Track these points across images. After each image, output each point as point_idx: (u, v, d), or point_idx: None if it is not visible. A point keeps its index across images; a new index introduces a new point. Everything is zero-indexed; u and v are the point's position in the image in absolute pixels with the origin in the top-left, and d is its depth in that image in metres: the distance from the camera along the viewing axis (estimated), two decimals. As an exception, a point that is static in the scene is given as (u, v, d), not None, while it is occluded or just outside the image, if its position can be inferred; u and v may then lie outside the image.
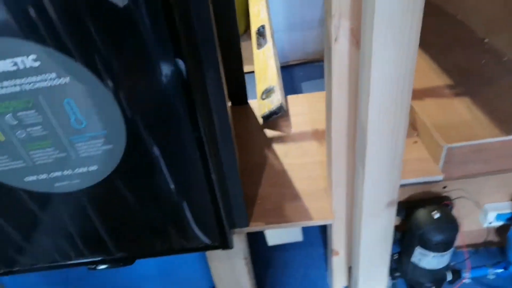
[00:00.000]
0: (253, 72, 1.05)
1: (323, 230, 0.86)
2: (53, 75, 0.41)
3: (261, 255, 0.99)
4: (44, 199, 0.54)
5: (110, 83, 0.43)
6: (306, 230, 1.01)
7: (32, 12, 0.37)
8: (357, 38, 0.46)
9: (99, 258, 0.62)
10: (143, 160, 0.50)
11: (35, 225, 0.58)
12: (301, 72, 1.72)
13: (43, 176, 0.51)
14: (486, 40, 0.97)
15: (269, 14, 1.26)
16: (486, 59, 0.91)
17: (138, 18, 0.38)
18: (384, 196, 0.52)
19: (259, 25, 1.22)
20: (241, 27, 1.92)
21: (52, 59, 0.40)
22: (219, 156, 0.57)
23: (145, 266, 0.84)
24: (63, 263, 0.63)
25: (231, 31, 0.88)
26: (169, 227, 0.58)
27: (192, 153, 0.52)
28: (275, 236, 1.01)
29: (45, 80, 0.42)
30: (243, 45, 0.99)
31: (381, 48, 0.40)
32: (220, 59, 0.47)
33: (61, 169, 0.50)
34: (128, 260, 0.62)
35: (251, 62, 1.12)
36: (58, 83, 0.42)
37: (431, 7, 1.19)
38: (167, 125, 0.49)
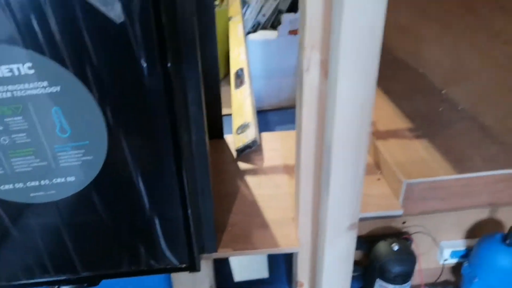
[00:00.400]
0: (230, 114, 1.10)
1: (289, 267, 0.87)
2: (45, 83, 0.44)
3: (228, 289, 0.99)
4: (16, 209, 0.54)
5: (98, 94, 0.46)
6: (272, 267, 1.02)
7: (34, 22, 0.40)
8: (326, 69, 0.52)
9: (64, 278, 0.62)
10: (120, 173, 0.52)
11: (2, 237, 0.57)
12: (276, 117, 1.80)
13: (20, 185, 0.52)
14: (443, 91, 1.07)
15: (247, 58, 1.34)
16: (443, 107, 1.00)
17: (131, 34, 0.43)
18: (346, 219, 0.56)
19: (238, 67, 1.30)
20: (222, 72, 2.01)
21: (46, 68, 0.43)
22: (195, 177, 0.59)
23: None
24: (25, 281, 0.62)
25: (212, 70, 0.94)
26: (139, 244, 0.59)
27: (170, 171, 0.54)
28: (241, 271, 1.02)
29: (37, 87, 0.44)
30: (223, 89, 1.05)
31: (345, 78, 0.45)
32: (201, 78, 0.52)
33: (39, 179, 0.51)
34: (93, 281, 0.62)
35: (229, 105, 1.17)
36: (49, 91, 0.45)
37: (396, 61, 1.30)
38: (148, 141, 0.51)
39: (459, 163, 0.79)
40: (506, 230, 0.77)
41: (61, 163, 0.50)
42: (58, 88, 0.45)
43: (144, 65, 0.45)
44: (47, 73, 0.44)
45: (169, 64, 0.46)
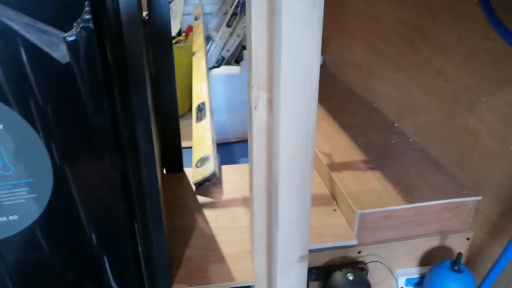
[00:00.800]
0: (191, 147, 1.11)
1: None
2: (-14, 121, 0.44)
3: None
4: (-45, 250, 0.52)
5: (43, 133, 0.46)
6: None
7: (-25, 62, 0.41)
8: (272, 106, 0.54)
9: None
10: (67, 211, 0.52)
11: None
12: (240, 149, 1.82)
13: (-41, 224, 0.50)
14: (396, 124, 1.12)
15: (209, 93, 1.36)
16: (396, 140, 1.05)
17: (77, 74, 0.43)
18: (296, 251, 0.57)
19: (200, 101, 1.31)
20: (185, 107, 2.03)
21: (-13, 106, 0.43)
22: (146, 213, 0.59)
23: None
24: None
25: (171, 104, 0.95)
26: (86, 282, 0.57)
27: (118, 208, 0.54)
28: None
29: (-22, 126, 0.44)
30: (187, 123, 1.06)
31: (286, 115, 0.48)
32: (151, 113, 0.52)
33: (-20, 218, 0.50)
34: (39, 322, 0.59)
35: (191, 138, 1.18)
36: (-10, 129, 0.44)
37: (353, 96, 1.36)
38: (95, 179, 0.51)
39: (409, 193, 0.83)
40: (455, 257, 0.80)
41: (3, 201, 0.49)
42: (0, 127, 0.44)
43: (90, 103, 0.46)
44: (-12, 111, 0.43)
45: (116, 103, 0.47)
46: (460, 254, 0.73)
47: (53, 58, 0.43)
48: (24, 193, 0.49)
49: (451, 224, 0.83)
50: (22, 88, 0.44)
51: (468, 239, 0.84)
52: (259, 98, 0.56)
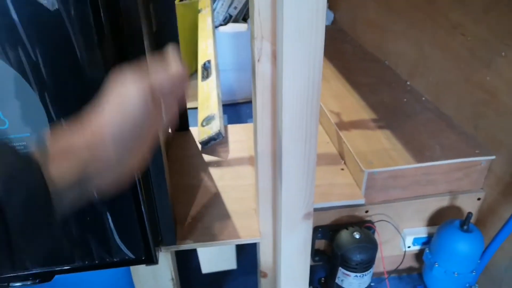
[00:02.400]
0: (197, 108, 1.09)
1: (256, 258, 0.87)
2: (-23, 72, 0.42)
3: (195, 283, 0.98)
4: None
5: (36, 85, 0.44)
6: (240, 258, 1.02)
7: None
8: (276, 58, 0.51)
9: (13, 274, 0.60)
10: (67, 166, 0.51)
11: None
12: (248, 109, 1.79)
13: (-41, 180, 0.50)
14: (408, 83, 1.08)
15: (215, 51, 1.32)
16: (408, 98, 1.01)
17: (67, 22, 0.41)
18: (301, 209, 0.55)
19: (205, 59, 1.28)
20: (192, 67, 1.98)
21: (-24, 57, 0.41)
22: (149, 171, 0.58)
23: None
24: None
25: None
26: (91, 239, 0.57)
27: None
28: (209, 263, 1.01)
29: (-32, 77, 0.42)
30: (193, 83, 1.03)
31: (290, 67, 0.45)
32: (148, 55, 0.50)
33: (-21, 173, 0.49)
34: (46, 276, 0.60)
35: (197, 98, 1.16)
36: (-19, 81, 0.43)
37: (364, 53, 1.31)
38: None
39: (419, 153, 0.80)
40: (464, 217, 0.78)
41: (1, 157, 0.48)
42: (-9, 78, 0.43)
43: (83, 54, 0.43)
44: (-22, 61, 0.42)
45: (108, 49, 0.44)
46: (469, 213, 0.72)
47: (41, 5, 0.40)
48: (22, 147, 0.48)
49: (462, 184, 0.81)
50: (11, 38, 0.42)
51: (479, 199, 0.82)
52: (262, 50, 0.53)
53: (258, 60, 0.53)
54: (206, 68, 1.22)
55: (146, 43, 0.50)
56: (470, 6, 0.82)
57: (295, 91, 0.46)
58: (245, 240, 0.69)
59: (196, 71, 1.96)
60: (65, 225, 0.55)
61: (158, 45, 0.88)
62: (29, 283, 0.61)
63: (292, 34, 0.44)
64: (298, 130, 0.48)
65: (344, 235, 0.74)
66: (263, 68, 0.54)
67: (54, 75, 0.44)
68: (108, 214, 0.56)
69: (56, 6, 0.40)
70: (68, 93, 0.46)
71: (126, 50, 0.48)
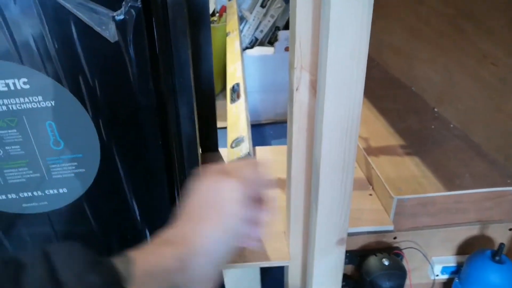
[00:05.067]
0: (225, 127, 1.12)
1: (281, 281, 0.88)
2: (40, 98, 0.46)
3: (220, 304, 0.98)
4: (8, 220, 0.55)
5: (92, 110, 0.47)
6: (264, 281, 1.02)
7: (31, 40, 0.42)
8: (315, 88, 0.53)
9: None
10: (112, 186, 0.53)
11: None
12: (272, 131, 1.81)
13: (13, 195, 0.53)
14: (435, 109, 1.09)
15: (243, 74, 1.36)
16: (435, 125, 1.01)
17: (125, 53, 0.44)
18: (335, 235, 0.56)
19: (234, 82, 1.31)
20: (218, 87, 2.03)
21: (41, 83, 0.45)
22: (186, 189, 0.60)
23: None
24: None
25: (208, 85, 0.96)
26: (131, 256, 0.59)
27: (161, 186, 0.55)
28: (234, 285, 1.01)
29: (32, 102, 0.46)
30: (219, 103, 1.06)
31: (332, 97, 0.47)
32: (193, 94, 0.53)
33: (32, 190, 0.52)
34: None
35: (225, 118, 1.19)
36: (43, 105, 0.46)
37: (390, 80, 1.32)
38: (140, 156, 0.53)
39: (449, 180, 0.80)
40: (496, 247, 0.77)
41: (54, 175, 0.51)
42: (52, 103, 0.46)
43: (136, 82, 0.46)
44: (42, 88, 0.45)
45: (161, 82, 0.47)
46: (502, 244, 0.71)
47: (103, 37, 0.43)
48: (73, 167, 0.51)
49: (492, 213, 0.81)
50: (73, 66, 0.45)
51: (510, 229, 0.81)
52: (301, 79, 0.55)
53: (297, 89, 0.56)
54: (234, 90, 1.25)
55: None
56: (500, 36, 0.83)
57: (335, 121, 0.48)
58: (274, 262, 0.70)
59: (222, 91, 2.01)
60: (106, 242, 0.58)
61: (193, 68, 0.92)
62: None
63: (335, 66, 0.46)
64: (336, 159, 0.50)
65: (373, 261, 0.74)
66: (301, 97, 0.56)
67: (108, 100, 0.48)
68: (147, 233, 0.58)
69: (117, 39, 0.43)
70: (120, 118, 0.49)
71: (174, 78, 0.51)
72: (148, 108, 0.48)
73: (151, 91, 0.47)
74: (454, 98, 1.01)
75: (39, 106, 0.46)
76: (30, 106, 0.46)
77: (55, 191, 0.52)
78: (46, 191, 0.52)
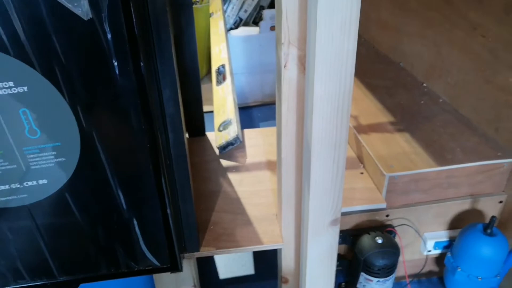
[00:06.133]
0: (212, 112, 1.09)
1: (275, 263, 0.87)
2: (11, 83, 0.42)
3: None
4: (-13, 214, 0.52)
5: (68, 94, 0.44)
6: (258, 263, 1.02)
7: (-5, 20, 0.39)
8: (304, 64, 0.51)
9: (40, 283, 0.60)
10: (95, 174, 0.51)
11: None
12: (259, 113, 1.79)
13: (-11, 189, 0.50)
14: (424, 84, 1.07)
15: (229, 55, 1.33)
16: (425, 100, 1.00)
17: (100, 32, 0.41)
18: (328, 215, 0.55)
19: (219, 64, 1.28)
20: (203, 70, 1.99)
21: (11, 68, 0.41)
22: (174, 177, 0.58)
23: None
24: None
25: (192, 67, 0.93)
26: (117, 246, 0.57)
27: (147, 172, 0.53)
28: (226, 269, 1.01)
29: (2, 88, 0.43)
30: (205, 87, 1.03)
31: (322, 73, 0.45)
32: (177, 75, 0.50)
33: (9, 182, 0.50)
34: (71, 285, 0.60)
35: (211, 102, 1.16)
36: (15, 91, 0.43)
37: (378, 55, 1.30)
38: (123, 142, 0.50)
39: (440, 156, 0.80)
40: (487, 220, 0.78)
41: (32, 166, 0.48)
42: (25, 89, 0.43)
43: (115, 63, 0.43)
44: (12, 73, 0.42)
45: (142, 63, 0.45)
46: (493, 217, 0.71)
47: (75, 15, 0.40)
48: (52, 157, 0.48)
49: (483, 187, 0.81)
50: (45, 48, 0.42)
51: (500, 202, 0.81)
52: (289, 55, 0.53)
53: (285, 66, 0.53)
54: (220, 72, 1.22)
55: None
56: (490, 7, 0.81)
57: (326, 97, 0.46)
58: (267, 246, 0.69)
59: (207, 74, 1.97)
60: (92, 233, 0.55)
61: (176, 50, 0.89)
62: (55, 291, 0.61)
63: (325, 39, 0.43)
64: (328, 137, 0.48)
65: (366, 240, 0.73)
66: (290, 74, 0.54)
67: (86, 84, 0.45)
68: (135, 221, 0.56)
69: (90, 16, 0.40)
70: (99, 102, 0.46)
71: (155, 58, 0.48)
72: (129, 91, 0.45)
73: (130, 72, 0.45)
74: (443, 72, 1.00)
75: (10, 92, 0.43)
76: (1, 93, 0.43)
77: (35, 183, 0.50)
78: (25, 183, 0.49)
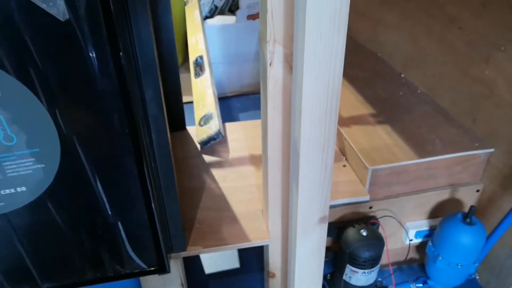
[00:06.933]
0: (190, 102, 1.07)
1: (260, 256, 0.87)
2: (-17, 88, 0.40)
3: (198, 283, 0.97)
4: (-38, 224, 0.50)
5: (46, 98, 0.42)
6: (243, 257, 1.02)
7: (-36, 22, 0.36)
8: (290, 62, 0.50)
9: (24, 291, 0.58)
10: (77, 180, 0.49)
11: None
12: (238, 103, 1.77)
13: (-37, 198, 0.47)
14: (402, 75, 1.09)
15: (206, 45, 1.30)
16: (403, 91, 1.01)
17: (78, 32, 0.39)
18: (316, 213, 0.55)
19: (197, 55, 1.25)
20: (179, 59, 1.95)
21: (-17, 72, 0.39)
22: (158, 177, 0.57)
23: None
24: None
25: (170, 58, 0.90)
26: (103, 251, 0.56)
27: (131, 174, 0.51)
28: (212, 264, 1.00)
29: (-26, 93, 0.40)
30: (182, 77, 1.00)
31: (311, 72, 0.44)
32: (159, 77, 0.48)
33: (-15, 191, 0.47)
34: (56, 291, 0.59)
35: (189, 92, 1.14)
36: (-12, 97, 0.40)
37: (356, 46, 1.31)
38: (105, 144, 0.48)
39: (420, 147, 0.81)
40: (466, 209, 0.80)
41: (8, 173, 0.46)
42: (-1, 94, 0.40)
43: (94, 63, 0.41)
44: (-16, 77, 0.39)
45: (122, 61, 0.43)
46: (472, 206, 0.73)
47: (51, 15, 0.38)
48: (31, 163, 0.46)
49: (461, 177, 0.83)
50: (19, 51, 0.39)
51: (477, 191, 0.84)
52: (275, 53, 0.52)
53: (270, 64, 0.52)
54: (198, 64, 1.19)
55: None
56: (468, 0, 0.82)
57: (315, 98, 0.45)
58: (255, 243, 0.69)
59: (183, 63, 1.93)
60: (76, 239, 0.53)
61: (155, 36, 0.86)
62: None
63: (314, 36, 0.42)
64: (317, 138, 0.48)
65: (351, 232, 0.74)
66: (275, 72, 0.53)
67: (64, 87, 0.42)
68: (120, 225, 0.55)
69: (67, 17, 0.38)
70: (79, 106, 0.44)
71: (137, 58, 0.46)
72: (110, 93, 0.44)
73: (111, 73, 0.43)
74: (421, 63, 1.01)
75: (-17, 98, 0.40)
76: (-27, 99, 0.40)
77: (12, 190, 0.47)
78: (2, 191, 0.47)
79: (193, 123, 1.00)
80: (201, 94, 1.07)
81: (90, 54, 0.41)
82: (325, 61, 0.44)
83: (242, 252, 1.03)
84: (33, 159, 0.45)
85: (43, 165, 0.46)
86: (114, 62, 0.43)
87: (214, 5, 1.93)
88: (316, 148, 0.49)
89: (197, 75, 1.16)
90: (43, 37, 0.39)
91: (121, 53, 0.43)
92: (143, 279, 0.70)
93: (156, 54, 0.49)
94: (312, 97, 0.45)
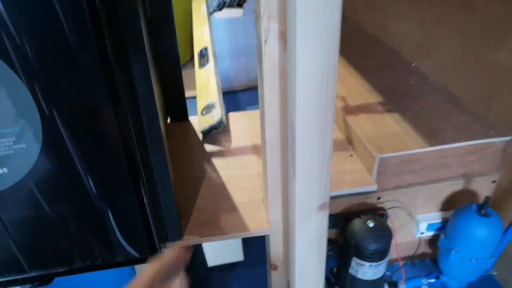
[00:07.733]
0: (195, 97, 1.04)
1: (264, 249, 0.84)
2: (-43, 62, 0.38)
3: (201, 277, 0.95)
4: None
5: (25, 74, 0.40)
6: (247, 250, 0.99)
7: None
8: (285, 40, 0.47)
9: (10, 278, 0.56)
10: (61, 162, 0.47)
11: None
12: (246, 97, 1.75)
13: None
14: (413, 64, 1.04)
15: (212, 37, 1.28)
16: (414, 80, 0.97)
17: (56, 4, 0.37)
18: (316, 200, 0.52)
19: (201, 47, 1.23)
20: (186, 56, 1.94)
21: (-45, 43, 0.37)
22: (150, 162, 0.54)
23: None
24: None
25: (171, 50, 0.88)
26: (91, 238, 0.53)
27: (118, 157, 0.49)
28: (215, 256, 0.98)
29: None
30: (188, 72, 0.99)
31: (305, 49, 0.41)
32: (148, 52, 0.46)
33: (-34, 173, 0.45)
34: (45, 279, 0.57)
35: (194, 87, 1.12)
36: (-38, 70, 0.38)
37: (366, 36, 1.27)
38: (90, 124, 0.46)
39: (431, 135, 0.77)
40: (480, 201, 0.75)
41: (-11, 154, 0.44)
42: (-26, 68, 0.39)
43: (75, 38, 0.39)
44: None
45: (105, 35, 0.40)
46: (488, 197, 0.68)
47: (26, -18, 0.36)
48: (11, 143, 0.44)
49: (475, 166, 0.78)
50: (-6, 22, 0.37)
51: (493, 182, 0.79)
52: (269, 31, 0.49)
53: (265, 42, 0.49)
54: (203, 55, 1.17)
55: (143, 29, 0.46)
56: (481, -20, 0.78)
57: (310, 75, 0.42)
58: (254, 232, 0.66)
59: (191, 59, 1.91)
60: (62, 224, 0.51)
61: (154, 32, 0.84)
62: (27, 287, 0.57)
63: (306, 11, 0.39)
64: (313, 118, 0.45)
65: (357, 223, 0.71)
66: (270, 50, 0.50)
67: (44, 64, 0.40)
68: (108, 211, 0.52)
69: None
70: (60, 83, 0.42)
71: (123, 37, 0.44)
72: (92, 70, 0.41)
73: (93, 48, 0.40)
74: (432, 51, 0.97)
75: (-43, 72, 0.38)
76: None
77: (-6, 172, 0.46)
78: (-18, 173, 0.45)
79: (196, 114, 0.97)
80: (205, 84, 1.04)
81: (69, 27, 0.39)
82: (319, 36, 0.41)
83: (247, 245, 1.00)
84: (13, 138, 0.43)
85: (24, 145, 0.44)
86: (96, 37, 0.41)
87: (223, 0, 1.90)
88: (313, 130, 0.45)
89: (201, 65, 1.14)
90: (20, 10, 0.37)
91: (103, 26, 0.41)
92: (138, 271, 0.68)
93: (144, 29, 0.46)
94: (306, 74, 0.42)
